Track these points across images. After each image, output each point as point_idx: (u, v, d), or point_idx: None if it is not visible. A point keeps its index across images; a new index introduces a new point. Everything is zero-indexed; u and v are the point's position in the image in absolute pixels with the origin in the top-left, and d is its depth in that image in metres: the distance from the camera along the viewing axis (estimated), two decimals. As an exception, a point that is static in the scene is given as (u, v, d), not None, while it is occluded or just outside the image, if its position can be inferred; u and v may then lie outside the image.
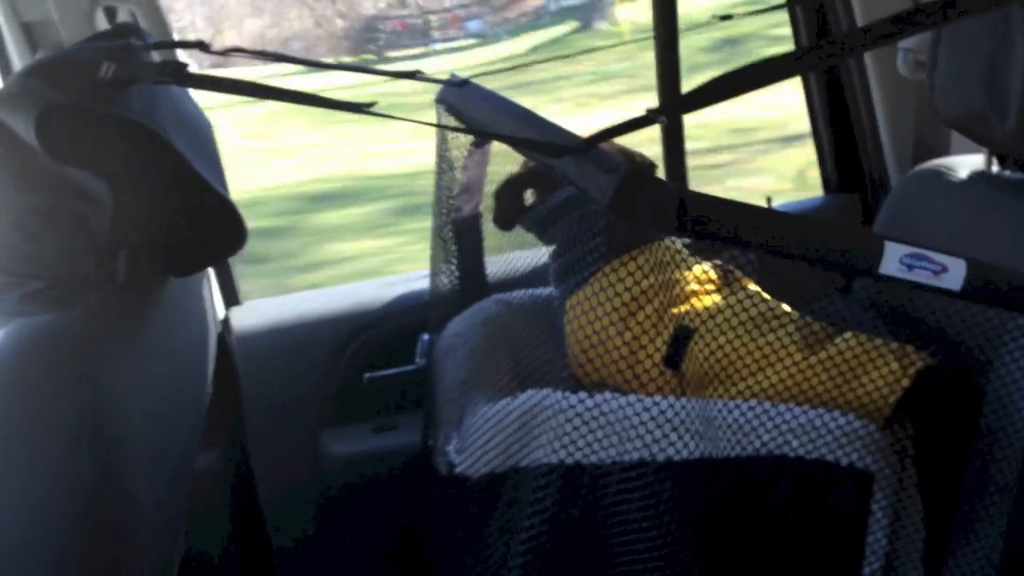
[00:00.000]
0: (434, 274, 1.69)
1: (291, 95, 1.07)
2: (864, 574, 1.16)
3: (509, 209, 1.56)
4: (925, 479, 1.19)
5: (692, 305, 1.30)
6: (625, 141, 1.38)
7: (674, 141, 1.88)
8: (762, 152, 6.53)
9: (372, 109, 1.06)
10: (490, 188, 1.63)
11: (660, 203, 0.87)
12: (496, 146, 1.60)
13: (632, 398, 1.20)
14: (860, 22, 1.86)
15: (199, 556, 1.60)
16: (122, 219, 1.15)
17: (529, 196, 1.56)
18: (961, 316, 1.16)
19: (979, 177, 1.48)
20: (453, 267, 1.69)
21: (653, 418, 1.17)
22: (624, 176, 0.88)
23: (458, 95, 1.45)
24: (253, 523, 1.86)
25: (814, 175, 2.08)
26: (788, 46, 1.97)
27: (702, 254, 1.36)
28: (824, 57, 1.03)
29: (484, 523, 1.30)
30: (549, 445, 1.20)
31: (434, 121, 1.49)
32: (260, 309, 1.93)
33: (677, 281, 1.32)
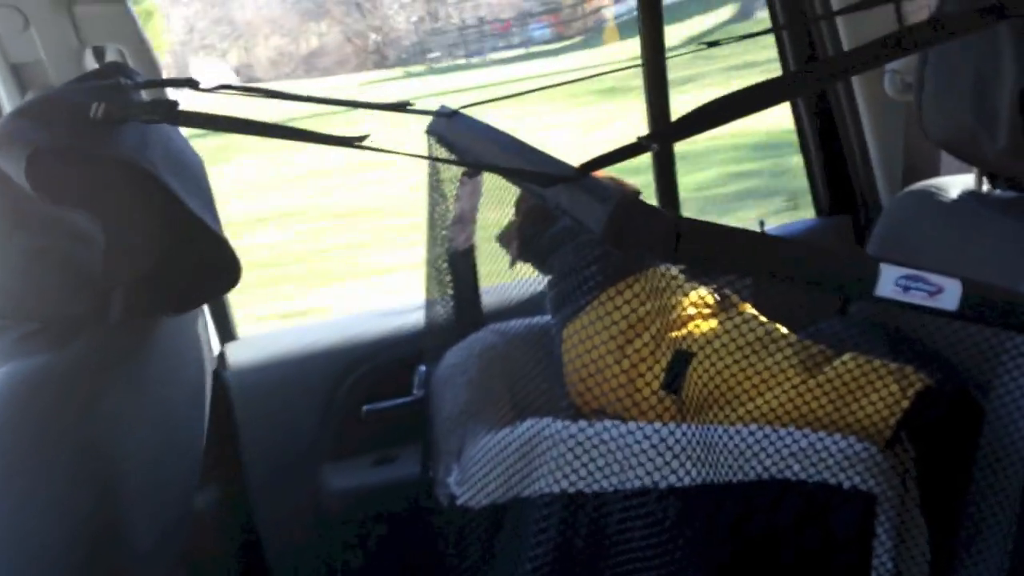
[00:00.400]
0: (429, 305, 1.69)
1: (283, 131, 1.07)
2: None
3: (517, 251, 1.57)
4: (928, 500, 1.19)
5: (690, 330, 1.30)
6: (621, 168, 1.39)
7: (666, 168, 1.89)
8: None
9: (363, 143, 1.07)
10: (483, 217, 1.63)
11: (654, 231, 0.87)
12: (489, 176, 1.60)
13: (632, 425, 1.19)
14: (846, 46, 1.87)
15: (199, 596, 1.59)
16: (115, 258, 1.15)
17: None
18: (958, 336, 1.16)
19: (970, 196, 1.48)
20: (448, 297, 1.69)
21: (654, 445, 1.17)
22: (617, 205, 0.88)
23: (448, 126, 1.45)
24: (254, 561, 1.84)
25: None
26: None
27: (698, 279, 1.36)
28: (812, 81, 1.04)
29: (488, 555, 1.29)
30: (550, 475, 1.20)
31: (425, 152, 1.49)
32: (256, 344, 1.92)
33: (674, 307, 1.32)
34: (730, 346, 1.21)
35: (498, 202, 1.58)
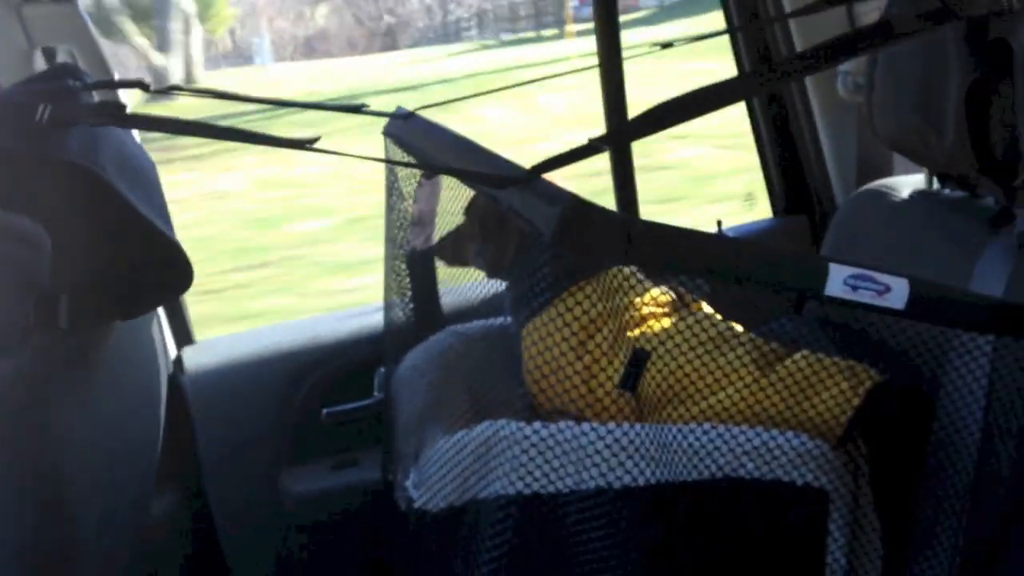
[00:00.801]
0: (388, 307, 1.68)
1: (234, 134, 1.06)
2: None
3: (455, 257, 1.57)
4: (880, 496, 1.20)
5: (646, 329, 1.31)
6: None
7: (623, 169, 1.89)
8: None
9: (316, 145, 1.06)
10: (442, 220, 1.62)
11: (604, 232, 0.87)
12: (445, 178, 1.60)
13: (587, 426, 1.20)
14: (800, 48, 1.89)
15: (157, 604, 1.57)
16: (62, 263, 1.13)
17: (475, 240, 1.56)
18: (908, 334, 1.17)
19: (920, 196, 1.50)
20: (407, 300, 1.68)
21: (608, 446, 1.17)
22: (567, 207, 0.88)
23: (404, 128, 1.45)
24: (213, 567, 1.83)
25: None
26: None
27: (654, 278, 1.37)
28: (766, 82, 1.05)
29: (446, 557, 1.29)
30: (506, 476, 1.19)
31: (382, 154, 1.49)
32: (213, 347, 1.91)
33: (630, 306, 1.33)
34: (684, 345, 1.21)
35: (456, 208, 1.58)
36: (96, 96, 1.35)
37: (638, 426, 1.18)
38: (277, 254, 6.75)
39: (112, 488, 1.36)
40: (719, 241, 0.94)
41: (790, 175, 2.06)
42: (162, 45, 14.32)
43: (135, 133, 1.45)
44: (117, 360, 1.37)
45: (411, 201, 1.63)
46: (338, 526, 1.80)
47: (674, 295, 1.39)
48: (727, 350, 1.25)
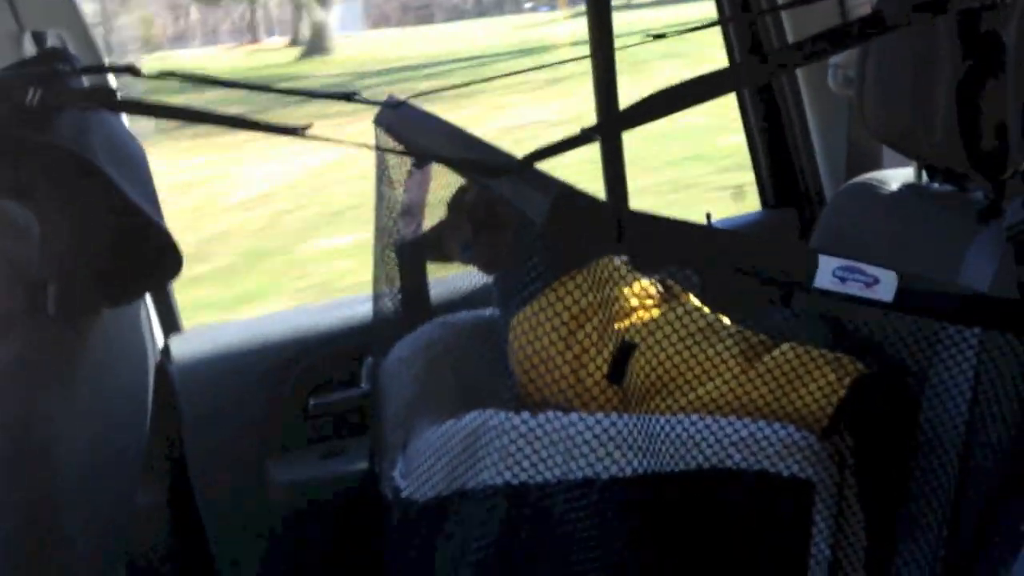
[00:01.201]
0: (377, 297, 1.68)
1: (224, 119, 1.06)
2: None
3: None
4: (865, 488, 1.21)
5: (634, 320, 1.31)
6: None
7: (614, 159, 1.89)
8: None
9: (309, 132, 1.06)
10: (431, 210, 1.62)
11: (595, 221, 0.88)
12: (436, 168, 1.60)
13: (575, 416, 1.20)
14: (791, 40, 1.90)
15: (142, 594, 1.57)
16: (50, 250, 1.12)
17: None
18: (895, 327, 1.18)
19: (909, 190, 1.51)
20: (396, 290, 1.68)
21: (596, 436, 1.17)
22: (558, 195, 0.88)
23: (396, 116, 1.44)
24: (199, 558, 1.83)
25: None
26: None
27: (643, 270, 1.37)
28: (757, 73, 1.05)
29: (433, 548, 1.29)
30: (494, 466, 1.20)
31: (372, 143, 1.48)
32: (201, 336, 1.90)
33: (619, 297, 1.33)
34: (672, 336, 1.22)
35: (447, 196, 1.58)
36: (86, 81, 1.35)
37: (625, 416, 1.18)
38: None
39: (99, 476, 1.35)
40: (709, 231, 0.94)
41: (780, 168, 2.06)
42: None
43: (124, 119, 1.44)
44: (104, 348, 1.37)
45: (401, 191, 1.63)
46: (325, 516, 1.79)
47: (662, 287, 1.39)
48: (715, 341, 1.25)
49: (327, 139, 1.06)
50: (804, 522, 1.16)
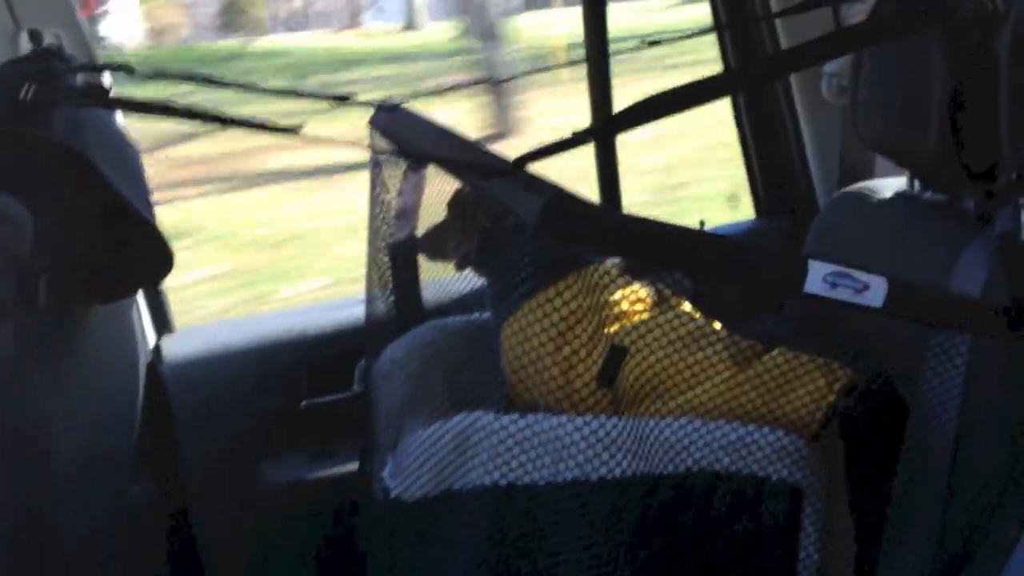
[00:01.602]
0: (370, 300, 1.68)
1: (218, 118, 1.06)
2: None
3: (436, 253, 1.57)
4: (855, 494, 1.21)
5: (625, 324, 1.31)
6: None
7: (607, 161, 1.90)
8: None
9: (302, 132, 1.06)
10: (426, 213, 1.62)
11: (587, 223, 0.88)
12: (431, 171, 1.60)
13: (564, 418, 1.20)
14: (785, 47, 1.90)
15: (131, 593, 1.57)
16: (43, 244, 1.12)
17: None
18: (885, 333, 1.18)
19: (901, 199, 1.51)
20: (389, 293, 1.68)
21: (585, 438, 1.18)
22: (550, 196, 0.88)
23: (390, 119, 1.45)
24: (189, 557, 1.82)
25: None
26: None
27: (634, 274, 1.37)
28: (751, 78, 1.05)
29: (421, 547, 1.29)
30: (483, 467, 1.20)
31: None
32: (193, 336, 1.90)
33: (610, 301, 1.33)
34: (663, 340, 1.22)
35: (441, 199, 1.58)
36: (81, 79, 1.34)
37: (615, 419, 1.19)
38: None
39: (88, 475, 1.35)
40: (700, 236, 0.94)
41: (773, 176, 2.07)
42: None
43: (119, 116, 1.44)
44: (95, 345, 1.37)
45: (395, 193, 1.63)
46: (314, 517, 1.79)
47: (654, 292, 1.40)
48: (705, 345, 1.26)
49: (321, 139, 1.06)
50: (793, 527, 1.16)
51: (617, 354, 1.25)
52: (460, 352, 1.52)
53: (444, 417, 1.29)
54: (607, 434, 1.17)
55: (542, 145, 0.96)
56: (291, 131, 1.05)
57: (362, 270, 1.62)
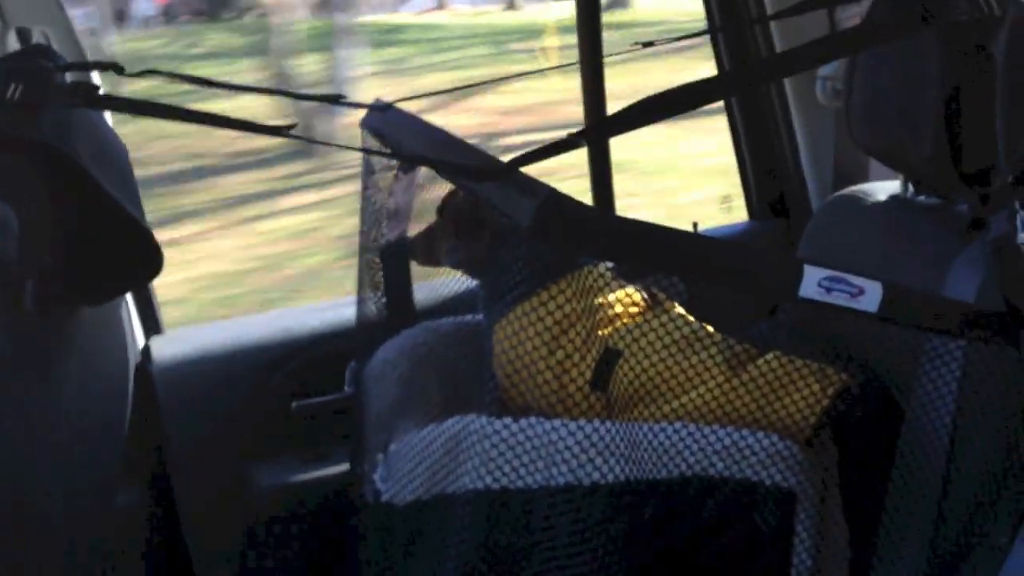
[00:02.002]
0: (361, 301, 1.67)
1: (207, 118, 1.05)
2: None
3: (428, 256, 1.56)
4: (849, 500, 1.20)
5: (618, 328, 1.31)
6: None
7: (600, 165, 1.89)
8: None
9: (293, 132, 1.05)
10: (418, 215, 1.61)
11: (579, 226, 0.87)
12: (422, 172, 1.59)
13: (557, 422, 1.19)
14: (779, 50, 1.90)
15: (119, 596, 1.55)
16: (30, 245, 1.11)
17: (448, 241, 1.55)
18: (880, 338, 1.18)
19: (895, 203, 1.51)
20: (381, 294, 1.67)
21: (578, 442, 1.17)
22: (544, 199, 0.87)
23: (382, 120, 1.44)
24: (177, 560, 1.81)
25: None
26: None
27: (627, 277, 1.37)
28: (745, 81, 1.05)
29: (411, 552, 1.28)
30: (475, 471, 1.19)
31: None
32: (183, 337, 1.89)
33: (603, 305, 1.33)
34: (656, 344, 1.21)
35: (433, 201, 1.57)
36: (69, 78, 1.33)
37: (608, 423, 1.18)
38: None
39: (75, 477, 1.34)
40: (695, 239, 0.93)
41: (767, 179, 2.06)
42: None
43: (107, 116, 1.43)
44: (83, 347, 1.35)
45: (387, 194, 1.62)
46: (304, 520, 1.78)
47: (647, 295, 1.39)
48: (699, 349, 1.25)
49: (310, 139, 1.05)
50: (786, 532, 1.16)
51: (611, 358, 1.25)
52: (452, 354, 1.51)
53: (436, 420, 1.28)
54: (600, 439, 1.16)
55: (535, 147, 0.95)
56: (281, 131, 1.04)
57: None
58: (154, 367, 1.79)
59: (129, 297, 1.80)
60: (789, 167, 2.03)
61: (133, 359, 1.75)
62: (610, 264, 1.33)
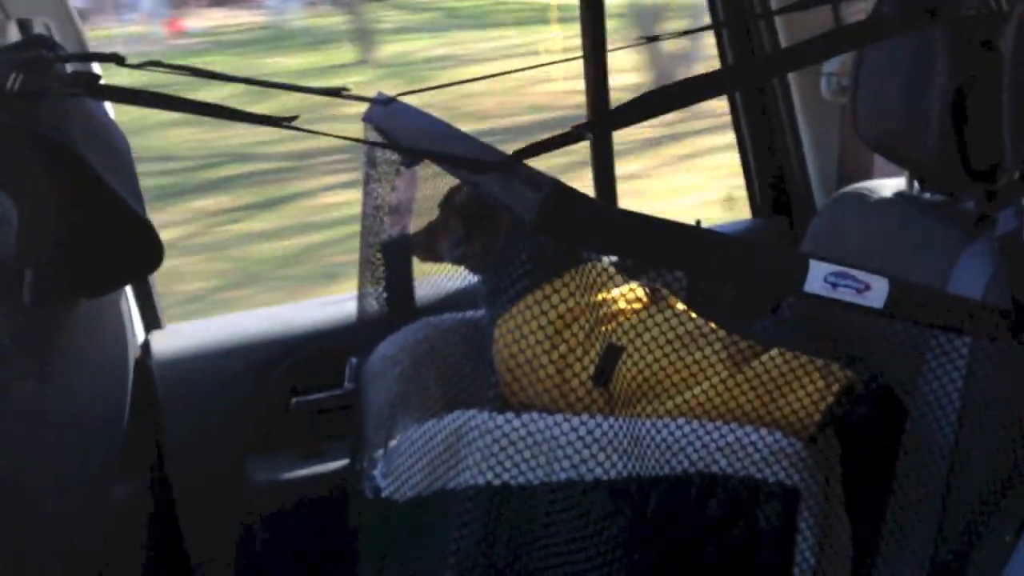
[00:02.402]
0: (362, 296, 1.66)
1: (209, 108, 1.04)
2: None
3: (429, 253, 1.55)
4: (852, 497, 1.19)
5: (620, 323, 1.30)
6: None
7: (603, 158, 1.88)
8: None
9: (295, 124, 1.04)
10: (419, 209, 1.61)
11: (584, 219, 0.86)
12: (425, 167, 1.58)
13: (559, 417, 1.19)
14: (784, 45, 1.89)
15: (116, 590, 1.55)
16: (28, 236, 1.10)
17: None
18: (885, 334, 1.17)
19: (900, 199, 1.50)
20: (381, 289, 1.66)
21: (581, 437, 1.16)
22: (549, 192, 0.86)
23: (384, 113, 1.43)
24: (175, 556, 1.80)
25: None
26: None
27: (630, 272, 1.36)
28: (749, 76, 1.04)
29: (412, 548, 1.27)
30: (476, 467, 1.18)
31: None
32: (182, 332, 1.88)
33: (605, 300, 1.32)
34: (659, 340, 1.20)
35: (436, 195, 1.56)
36: (70, 68, 1.32)
37: (610, 419, 1.17)
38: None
39: (72, 471, 1.33)
40: (699, 234, 0.92)
41: (771, 176, 2.06)
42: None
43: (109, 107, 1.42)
44: (82, 340, 1.35)
45: (389, 189, 1.61)
46: (304, 516, 1.77)
47: (650, 290, 1.38)
48: (702, 345, 1.24)
49: (313, 131, 1.04)
50: (789, 529, 1.15)
51: (613, 353, 1.24)
52: (453, 350, 1.50)
53: (437, 416, 1.27)
54: (602, 435, 1.16)
55: (539, 139, 0.94)
56: (285, 123, 1.03)
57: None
58: (154, 362, 1.79)
59: (129, 291, 1.79)
60: (793, 164, 2.02)
61: (133, 354, 1.74)
62: (613, 259, 1.33)
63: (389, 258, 1.64)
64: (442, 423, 1.25)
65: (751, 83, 1.83)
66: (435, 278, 1.62)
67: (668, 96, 0.93)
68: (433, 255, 1.57)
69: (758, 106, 2.02)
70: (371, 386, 1.55)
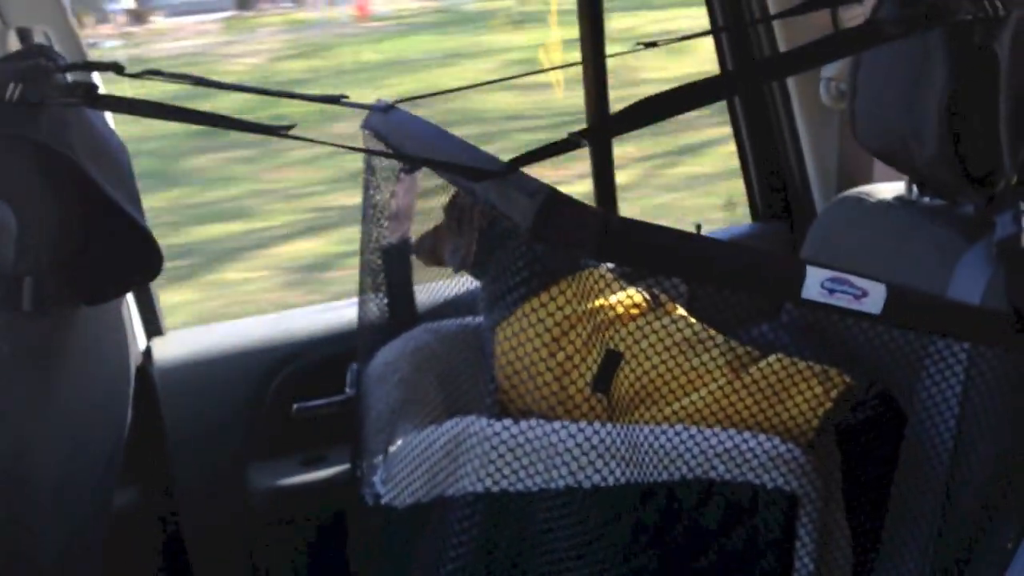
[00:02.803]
0: (363, 302, 1.66)
1: (207, 117, 1.04)
2: None
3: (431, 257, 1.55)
4: (852, 503, 1.19)
5: (619, 329, 1.30)
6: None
7: (603, 164, 1.88)
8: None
9: (292, 132, 1.04)
10: (419, 216, 1.61)
11: (581, 227, 0.86)
12: (424, 173, 1.58)
13: (558, 424, 1.19)
14: (782, 49, 1.89)
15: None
16: (28, 244, 1.11)
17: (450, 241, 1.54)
18: (884, 340, 1.17)
19: (899, 204, 1.50)
20: (382, 296, 1.66)
21: (579, 444, 1.16)
22: (545, 199, 0.86)
23: (383, 121, 1.43)
24: (177, 562, 1.80)
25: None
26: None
27: (629, 279, 1.36)
28: (748, 80, 1.04)
29: (412, 555, 1.27)
30: (475, 473, 1.18)
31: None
32: (184, 339, 1.88)
33: (605, 306, 1.32)
34: (658, 346, 1.20)
35: (435, 204, 1.56)
36: (69, 78, 1.33)
37: (609, 426, 1.17)
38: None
39: (74, 478, 1.34)
40: (697, 240, 0.92)
41: (770, 180, 2.06)
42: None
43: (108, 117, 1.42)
44: (83, 347, 1.35)
45: (389, 196, 1.61)
46: (305, 522, 1.78)
47: (649, 296, 1.38)
48: (700, 351, 1.24)
49: (311, 140, 1.05)
50: (788, 535, 1.15)
51: (612, 360, 1.24)
52: (453, 356, 1.50)
53: (436, 422, 1.27)
54: (601, 441, 1.16)
55: (537, 147, 0.94)
56: (281, 131, 1.03)
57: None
58: (155, 368, 1.79)
59: (131, 298, 1.80)
60: (793, 168, 2.02)
61: (134, 360, 1.74)
62: (611, 265, 1.33)
63: (389, 264, 1.64)
64: (441, 430, 1.25)
65: (750, 89, 1.83)
66: (436, 284, 1.62)
67: (668, 102, 0.93)
68: (435, 260, 1.57)
69: (758, 110, 2.02)
70: (371, 392, 1.55)
